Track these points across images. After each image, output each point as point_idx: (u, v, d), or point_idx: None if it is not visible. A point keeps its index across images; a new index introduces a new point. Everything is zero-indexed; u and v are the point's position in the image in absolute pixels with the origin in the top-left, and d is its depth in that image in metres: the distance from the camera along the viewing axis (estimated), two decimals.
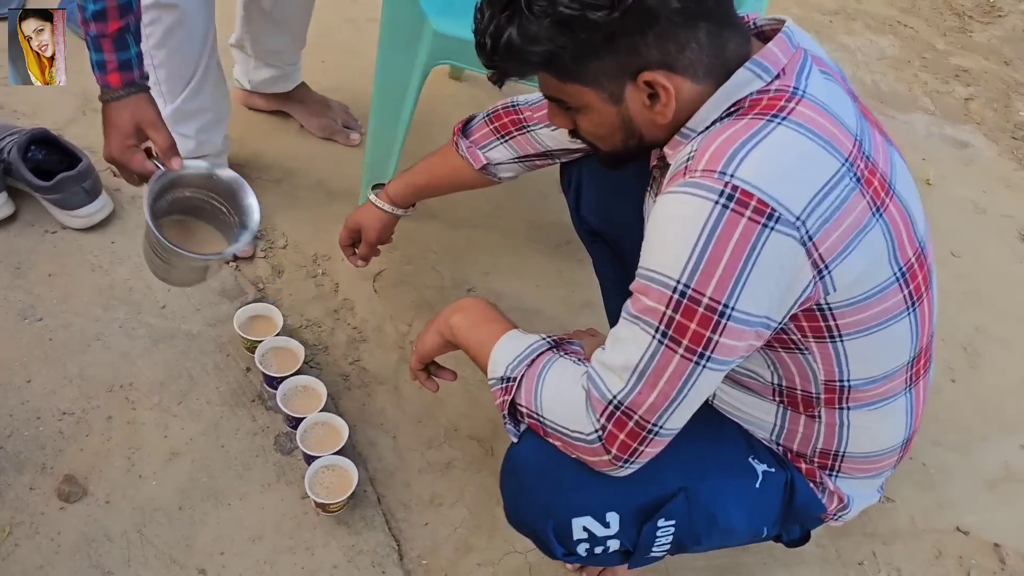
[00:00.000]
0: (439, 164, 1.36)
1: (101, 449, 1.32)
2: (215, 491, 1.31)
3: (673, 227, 0.86)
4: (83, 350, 1.42)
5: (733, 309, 0.84)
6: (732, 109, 0.90)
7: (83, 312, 1.47)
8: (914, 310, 0.95)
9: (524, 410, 0.99)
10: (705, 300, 0.84)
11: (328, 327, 1.58)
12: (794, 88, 0.89)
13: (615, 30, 0.84)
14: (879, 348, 0.96)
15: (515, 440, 1.03)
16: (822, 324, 0.92)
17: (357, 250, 1.48)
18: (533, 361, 0.99)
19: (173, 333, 1.47)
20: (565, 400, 0.94)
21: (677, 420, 0.91)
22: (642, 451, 0.92)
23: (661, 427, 0.91)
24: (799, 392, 1.01)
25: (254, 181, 1.74)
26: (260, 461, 1.35)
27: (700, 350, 0.86)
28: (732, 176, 0.82)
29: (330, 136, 1.87)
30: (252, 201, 1.24)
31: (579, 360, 0.99)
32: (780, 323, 0.89)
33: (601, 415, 0.91)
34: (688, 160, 0.88)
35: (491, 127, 1.29)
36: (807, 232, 0.83)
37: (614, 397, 0.90)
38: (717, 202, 0.82)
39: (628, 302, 0.91)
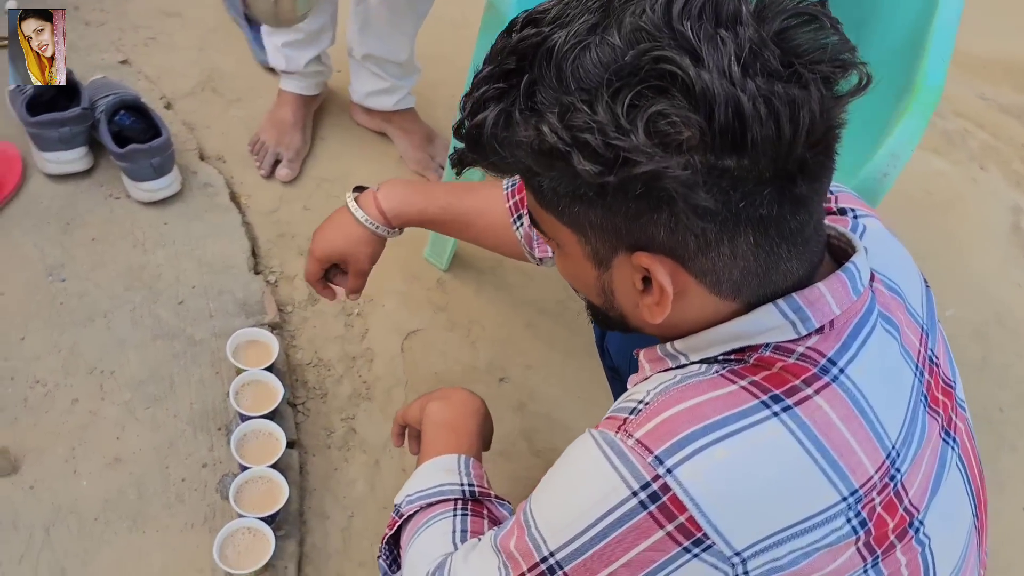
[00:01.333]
0: (477, 212, 1.09)
1: (52, 431, 1.27)
2: (137, 514, 1.22)
3: (574, 489, 0.66)
4: (86, 324, 1.39)
5: None
6: (734, 355, 0.66)
7: (104, 286, 1.44)
8: None
9: (400, 553, 0.86)
10: None
11: (337, 374, 1.47)
12: (828, 362, 0.64)
13: (609, 190, 0.60)
14: None
15: None
16: None
17: (333, 279, 1.17)
18: (430, 506, 0.86)
19: (177, 333, 1.41)
20: (416, 569, 0.80)
21: None
22: None
23: None
24: None
25: (332, 200, 1.67)
26: (196, 497, 1.25)
27: None
28: (668, 472, 0.60)
29: (422, 172, 1.77)
30: None
31: (468, 533, 0.82)
32: None
33: None
34: (634, 411, 0.64)
35: None
36: (746, 573, 0.60)
37: None
38: (636, 494, 0.61)
39: (500, 528, 0.73)
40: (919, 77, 1.17)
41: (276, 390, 1.31)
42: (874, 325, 0.67)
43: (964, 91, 2.40)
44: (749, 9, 0.56)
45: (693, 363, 0.69)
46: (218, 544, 1.15)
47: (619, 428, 0.64)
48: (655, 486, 0.60)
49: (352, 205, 1.10)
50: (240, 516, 1.18)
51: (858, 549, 0.62)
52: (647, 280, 0.65)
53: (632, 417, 0.64)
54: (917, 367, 0.71)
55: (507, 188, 1.09)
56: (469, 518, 0.85)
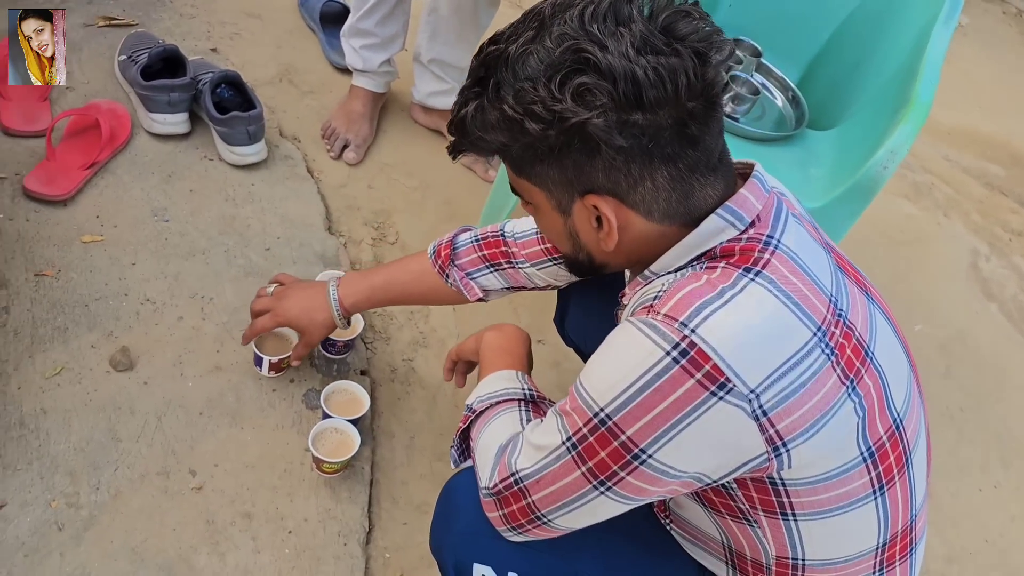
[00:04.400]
0: (413, 282, 1.33)
1: (162, 339, 1.45)
2: (235, 413, 1.40)
3: (617, 359, 0.84)
4: (187, 257, 1.58)
5: (650, 457, 0.81)
6: (701, 257, 0.87)
7: (202, 229, 1.64)
8: (882, 494, 0.88)
9: (471, 444, 1.05)
10: (623, 437, 0.81)
11: (399, 323, 1.67)
12: (768, 237, 0.85)
13: (555, 145, 0.82)
14: (839, 531, 0.89)
15: (453, 466, 1.09)
16: (774, 499, 0.87)
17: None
18: (498, 403, 1.06)
19: (265, 273, 1.60)
20: (488, 449, 0.99)
21: (570, 522, 0.91)
22: (530, 529, 0.93)
23: (550, 520, 0.91)
24: (749, 560, 0.96)
25: (392, 182, 1.90)
26: (285, 405, 1.44)
27: (602, 478, 0.84)
28: (692, 332, 0.78)
29: (470, 166, 2.01)
30: None
31: (532, 418, 1.03)
32: (716, 482, 0.85)
33: (501, 480, 0.93)
34: (656, 298, 0.84)
35: (480, 254, 1.28)
36: (760, 406, 0.79)
37: (517, 471, 0.92)
38: (669, 353, 0.79)
39: (556, 404, 0.92)
40: (913, 96, 1.44)
41: (356, 323, 1.50)
42: (786, 212, 0.90)
43: (932, 152, 2.73)
44: (640, 12, 0.80)
45: (669, 274, 0.90)
46: (312, 437, 1.33)
47: (647, 311, 0.84)
48: (683, 344, 0.78)
49: (333, 293, 1.34)
50: (329, 417, 1.37)
51: (837, 375, 0.82)
52: (600, 221, 0.87)
53: (655, 303, 0.83)
54: (824, 246, 0.93)
55: (430, 256, 1.31)
56: (531, 412, 1.05)
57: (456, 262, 1.29)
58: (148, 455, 1.31)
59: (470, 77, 0.86)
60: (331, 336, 1.43)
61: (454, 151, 0.91)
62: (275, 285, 1.43)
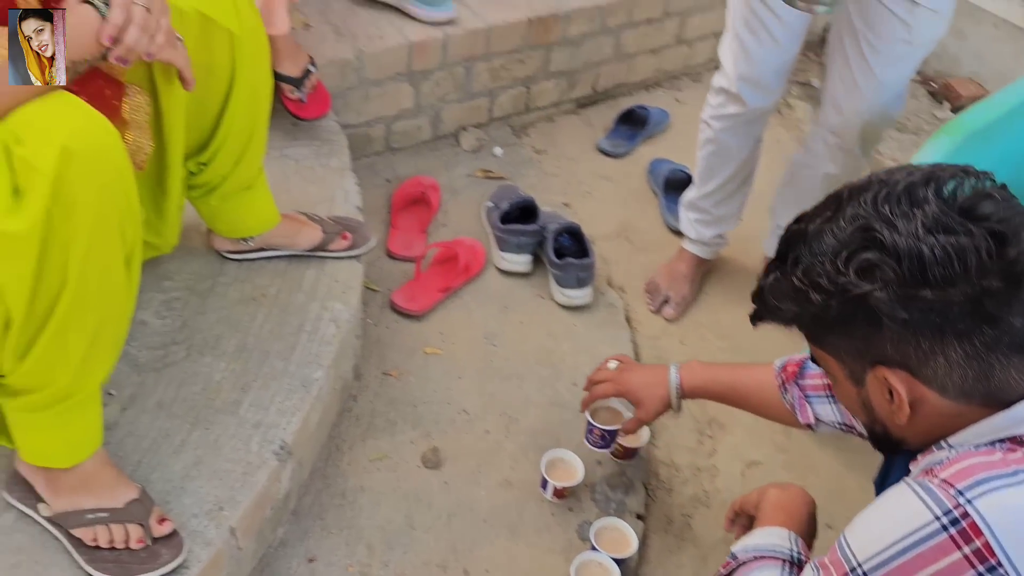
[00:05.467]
0: (751, 387, 1.37)
1: (468, 447, 1.64)
2: (515, 527, 1.52)
3: (884, 516, 0.85)
4: (505, 379, 1.77)
5: None
6: (1006, 440, 0.83)
7: (523, 357, 1.83)
8: None
9: None
10: None
11: (684, 477, 1.70)
12: None
13: (840, 316, 0.87)
14: None
15: None
16: None
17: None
18: (762, 559, 1.07)
19: (569, 405, 1.74)
20: None
21: None
22: None
23: None
24: None
25: (704, 341, 1.96)
26: (559, 531, 1.53)
27: None
28: (968, 502, 0.77)
29: None
30: None
31: None
32: None
33: None
34: (939, 463, 0.84)
35: (825, 381, 1.28)
36: None
37: None
38: (939, 518, 0.78)
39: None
40: None
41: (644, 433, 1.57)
42: None
43: None
44: (936, 194, 0.82)
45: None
46: (575, 566, 1.40)
47: (926, 474, 0.83)
48: (956, 512, 0.77)
49: (675, 375, 1.43)
50: (595, 550, 1.43)
51: None
52: (892, 394, 0.87)
53: (936, 467, 0.83)
54: None
55: (777, 369, 1.34)
56: (794, 574, 1.04)
57: (799, 381, 1.31)
58: (434, 547, 1.47)
59: (776, 252, 0.96)
60: (619, 440, 1.52)
61: (755, 319, 1.00)
62: (616, 362, 1.55)
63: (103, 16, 1.01)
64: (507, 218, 2.04)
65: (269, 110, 1.43)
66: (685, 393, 1.42)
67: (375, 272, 1.93)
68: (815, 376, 1.30)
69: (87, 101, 1.02)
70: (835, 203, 0.89)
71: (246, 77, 1.32)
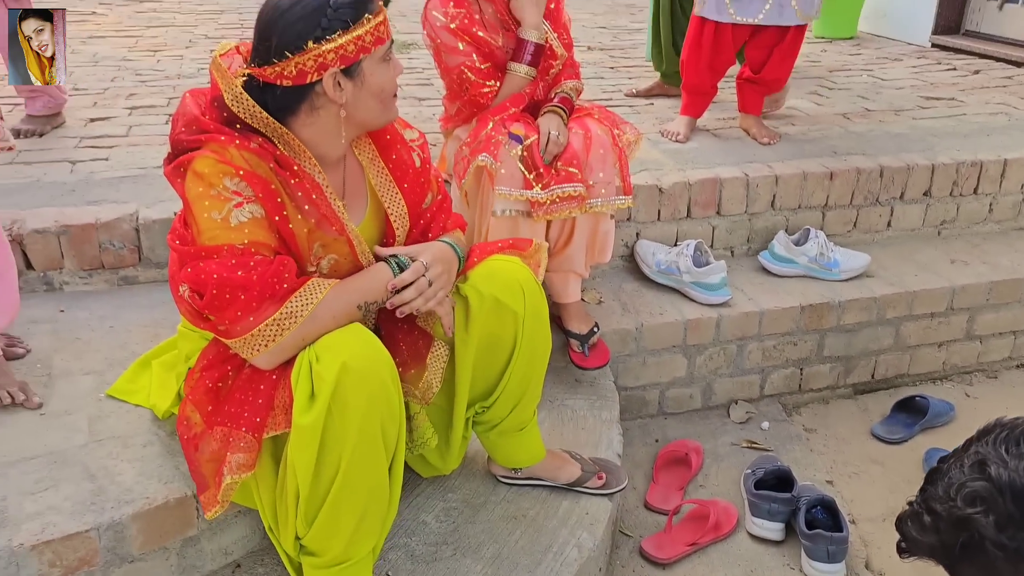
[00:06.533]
0: None
1: None
2: None
3: None
4: None
5: None
6: None
7: None
8: None
9: None
10: None
11: None
12: None
13: (952, 541, 0.97)
14: None
15: None
16: None
17: None
18: None
19: None
20: None
21: None
22: None
23: None
24: None
25: None
26: None
27: None
28: None
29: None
30: None
31: None
32: None
33: None
34: None
35: None
36: None
37: None
38: None
39: None
40: None
41: None
42: None
43: None
44: None
45: None
46: None
47: None
48: None
49: None
50: None
51: None
52: None
53: None
54: None
55: None
56: None
57: None
58: None
59: (921, 490, 1.08)
60: None
61: (899, 550, 1.10)
62: None
63: (395, 274, 1.47)
64: (761, 484, 2.13)
65: (544, 371, 1.75)
66: None
67: (632, 519, 2.10)
68: None
69: (405, 346, 1.48)
70: (966, 445, 1.04)
71: (526, 346, 1.67)
